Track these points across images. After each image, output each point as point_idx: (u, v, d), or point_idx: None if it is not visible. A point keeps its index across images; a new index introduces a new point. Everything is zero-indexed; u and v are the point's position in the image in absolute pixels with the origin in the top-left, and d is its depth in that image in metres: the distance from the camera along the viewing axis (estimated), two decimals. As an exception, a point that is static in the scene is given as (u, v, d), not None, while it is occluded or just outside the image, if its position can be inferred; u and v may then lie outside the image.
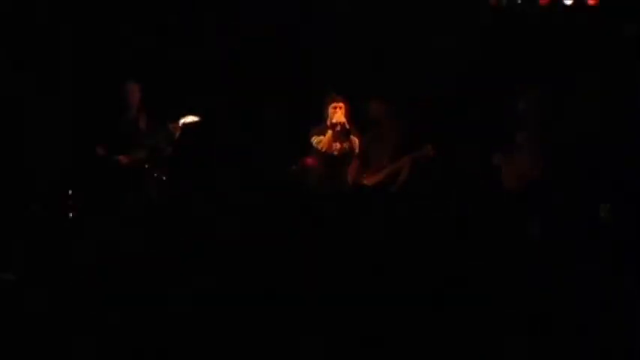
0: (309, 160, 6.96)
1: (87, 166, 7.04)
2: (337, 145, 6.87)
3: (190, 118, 7.11)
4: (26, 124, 7.38)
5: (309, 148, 6.92)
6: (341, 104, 6.86)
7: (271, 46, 7.86)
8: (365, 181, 7.03)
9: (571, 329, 4.36)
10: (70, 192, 6.95)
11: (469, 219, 6.64)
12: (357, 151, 6.93)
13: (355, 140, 6.91)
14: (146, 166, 7.09)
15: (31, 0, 7.54)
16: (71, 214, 6.87)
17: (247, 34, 7.85)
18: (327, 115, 6.88)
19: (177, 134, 7.10)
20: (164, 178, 7.12)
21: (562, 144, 6.79)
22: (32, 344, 4.20)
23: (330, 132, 6.83)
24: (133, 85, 7.12)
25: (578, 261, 5.52)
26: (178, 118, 7.10)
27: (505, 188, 6.88)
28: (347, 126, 6.82)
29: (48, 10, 7.53)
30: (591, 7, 7.61)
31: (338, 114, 6.83)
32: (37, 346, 4.19)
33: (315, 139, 6.87)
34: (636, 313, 4.55)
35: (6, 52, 7.41)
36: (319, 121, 6.94)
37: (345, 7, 7.79)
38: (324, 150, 6.85)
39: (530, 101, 6.93)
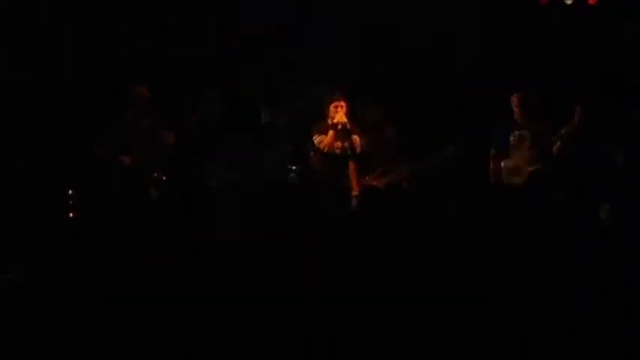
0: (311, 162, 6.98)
1: (87, 166, 7.03)
2: (338, 145, 6.87)
3: (192, 118, 7.11)
4: (26, 123, 7.37)
5: (310, 148, 6.93)
6: (342, 103, 6.86)
7: (271, 46, 7.86)
8: (371, 183, 7.02)
9: (571, 329, 4.36)
10: (70, 192, 6.94)
11: (469, 218, 6.65)
12: (358, 150, 6.93)
13: (356, 139, 6.91)
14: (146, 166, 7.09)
15: (31, 0, 7.54)
16: (71, 214, 6.87)
17: (247, 34, 7.85)
18: (329, 115, 6.88)
19: (177, 135, 7.09)
20: (164, 178, 7.11)
21: (560, 144, 6.82)
22: (33, 344, 4.20)
23: (331, 132, 6.83)
24: (142, 88, 7.08)
25: (578, 261, 5.53)
26: (178, 118, 7.09)
27: (504, 185, 6.92)
28: (348, 126, 6.83)
29: (48, 10, 7.53)
30: (591, 6, 7.62)
31: (339, 114, 6.83)
32: (38, 346, 4.19)
33: (316, 138, 6.87)
34: (636, 313, 4.55)
35: (6, 52, 7.41)
36: (320, 121, 6.95)
37: (345, 7, 7.79)
38: (326, 150, 6.85)
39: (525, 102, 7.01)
